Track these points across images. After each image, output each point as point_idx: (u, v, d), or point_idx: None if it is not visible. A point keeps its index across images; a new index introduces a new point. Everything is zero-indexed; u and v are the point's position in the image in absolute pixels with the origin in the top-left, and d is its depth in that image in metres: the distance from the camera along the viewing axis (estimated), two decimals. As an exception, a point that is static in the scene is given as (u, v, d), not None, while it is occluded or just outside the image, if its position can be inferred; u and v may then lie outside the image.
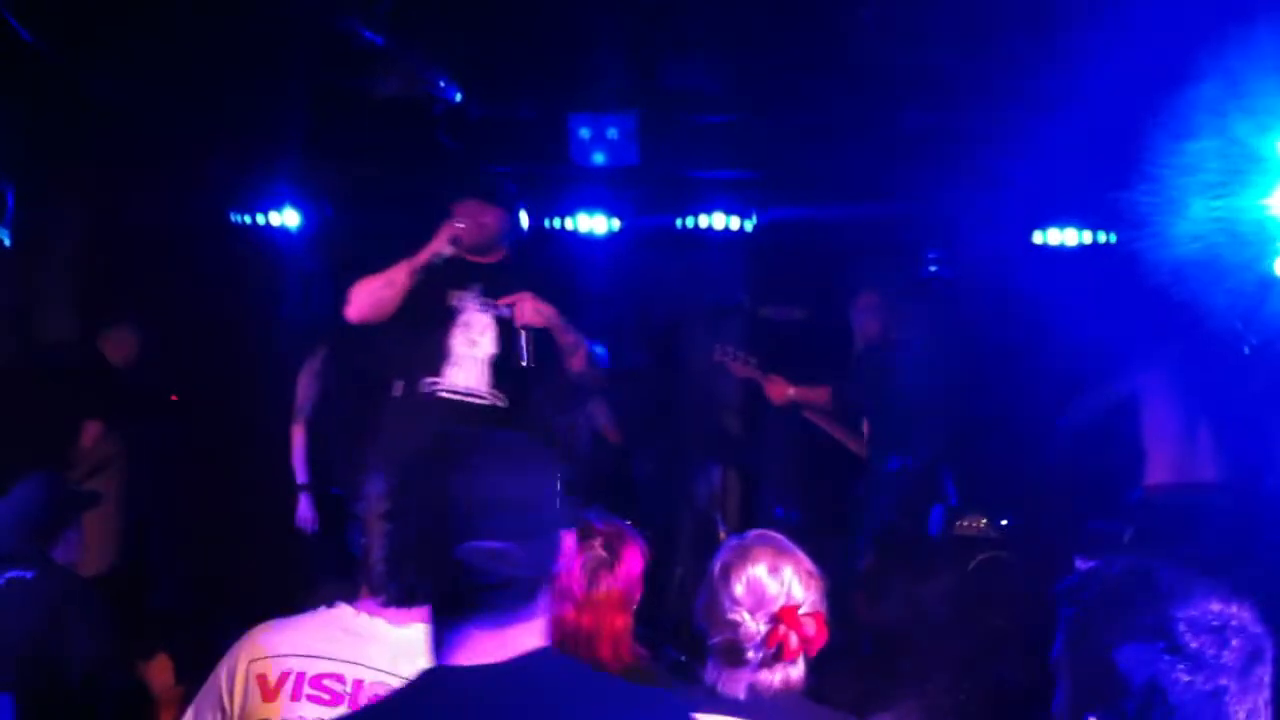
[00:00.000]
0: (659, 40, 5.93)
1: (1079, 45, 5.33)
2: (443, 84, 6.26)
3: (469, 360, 4.65)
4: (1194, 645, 1.85)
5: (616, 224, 7.18)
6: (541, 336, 4.62)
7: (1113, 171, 5.45)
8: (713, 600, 2.69)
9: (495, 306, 4.69)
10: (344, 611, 2.81)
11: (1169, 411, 5.40)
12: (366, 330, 4.79)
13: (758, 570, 2.65)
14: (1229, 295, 5.03)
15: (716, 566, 2.73)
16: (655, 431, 7.13)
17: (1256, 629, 1.88)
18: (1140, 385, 5.59)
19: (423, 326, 4.65)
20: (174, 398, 7.30)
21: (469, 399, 4.62)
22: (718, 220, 7.09)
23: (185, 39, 5.74)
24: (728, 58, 6.05)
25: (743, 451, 7.18)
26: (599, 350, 4.74)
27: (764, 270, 7.33)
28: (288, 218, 7.40)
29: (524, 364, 4.58)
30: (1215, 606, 1.87)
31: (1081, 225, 6.76)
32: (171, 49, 5.81)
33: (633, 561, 3.31)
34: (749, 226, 7.07)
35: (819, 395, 6.18)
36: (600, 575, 3.23)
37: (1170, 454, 5.34)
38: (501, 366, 4.63)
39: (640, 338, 7.00)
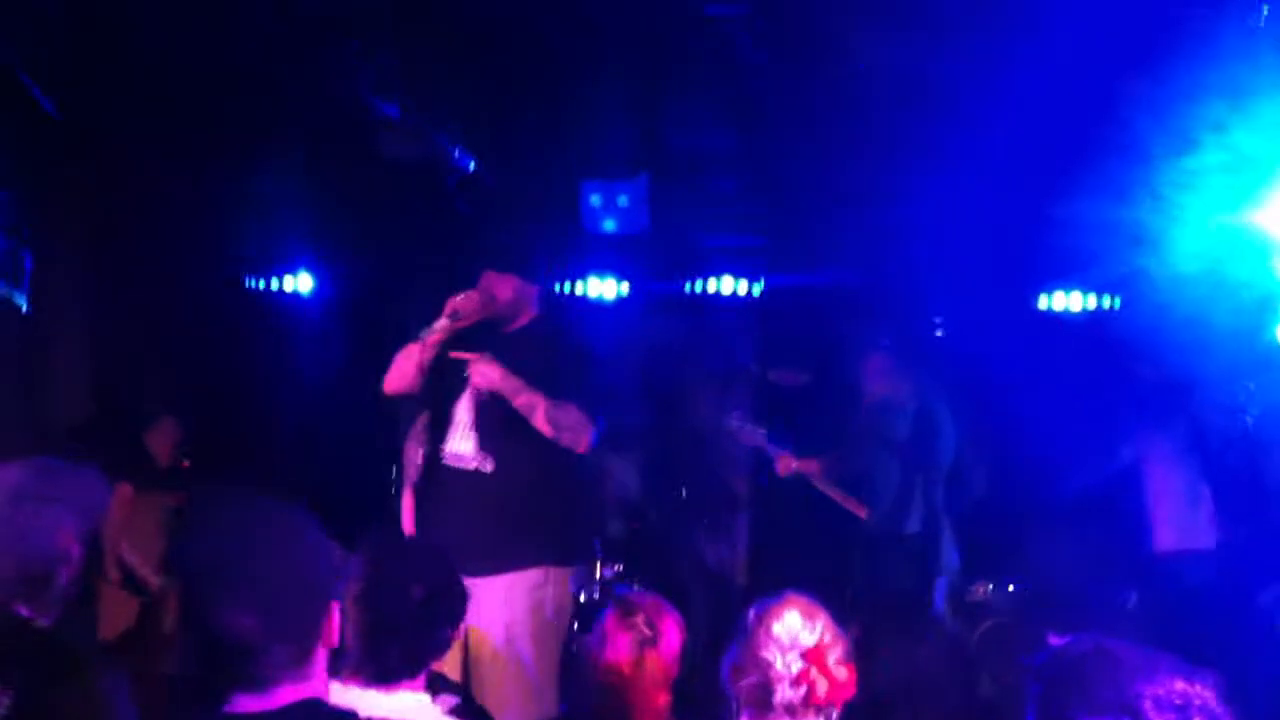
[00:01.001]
0: (670, 109, 6.01)
1: (1086, 114, 5.41)
2: (457, 152, 6.35)
3: (463, 425, 4.65)
4: None
5: (625, 288, 7.25)
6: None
7: (1116, 235, 5.51)
8: (745, 644, 2.72)
9: None
10: (332, 687, 2.84)
11: (1172, 478, 5.41)
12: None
13: (793, 615, 2.71)
14: (1230, 314, 5.07)
15: (751, 614, 2.78)
16: (664, 496, 7.15)
17: (1219, 709, 1.92)
18: (1144, 451, 5.60)
19: (440, 394, 4.68)
20: (185, 464, 7.32)
21: (458, 465, 4.62)
22: (725, 284, 7.17)
23: (203, 106, 5.85)
24: (737, 128, 6.13)
25: (751, 514, 7.19)
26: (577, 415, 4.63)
27: (771, 334, 7.38)
28: (301, 282, 7.49)
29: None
30: (1179, 685, 1.92)
31: (1085, 290, 6.79)
32: (189, 116, 5.92)
33: (672, 637, 3.31)
34: (756, 291, 7.14)
35: (818, 466, 6.20)
36: (646, 653, 3.25)
37: (1174, 520, 5.34)
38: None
39: (648, 401, 7.03)
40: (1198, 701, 1.91)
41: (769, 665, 2.65)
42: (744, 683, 2.68)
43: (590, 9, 5.17)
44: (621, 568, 6.54)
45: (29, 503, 2.95)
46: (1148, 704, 1.90)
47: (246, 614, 1.94)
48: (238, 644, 1.94)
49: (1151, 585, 5.27)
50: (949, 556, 6.07)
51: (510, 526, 4.48)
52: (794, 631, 2.68)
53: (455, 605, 2.89)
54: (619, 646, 3.27)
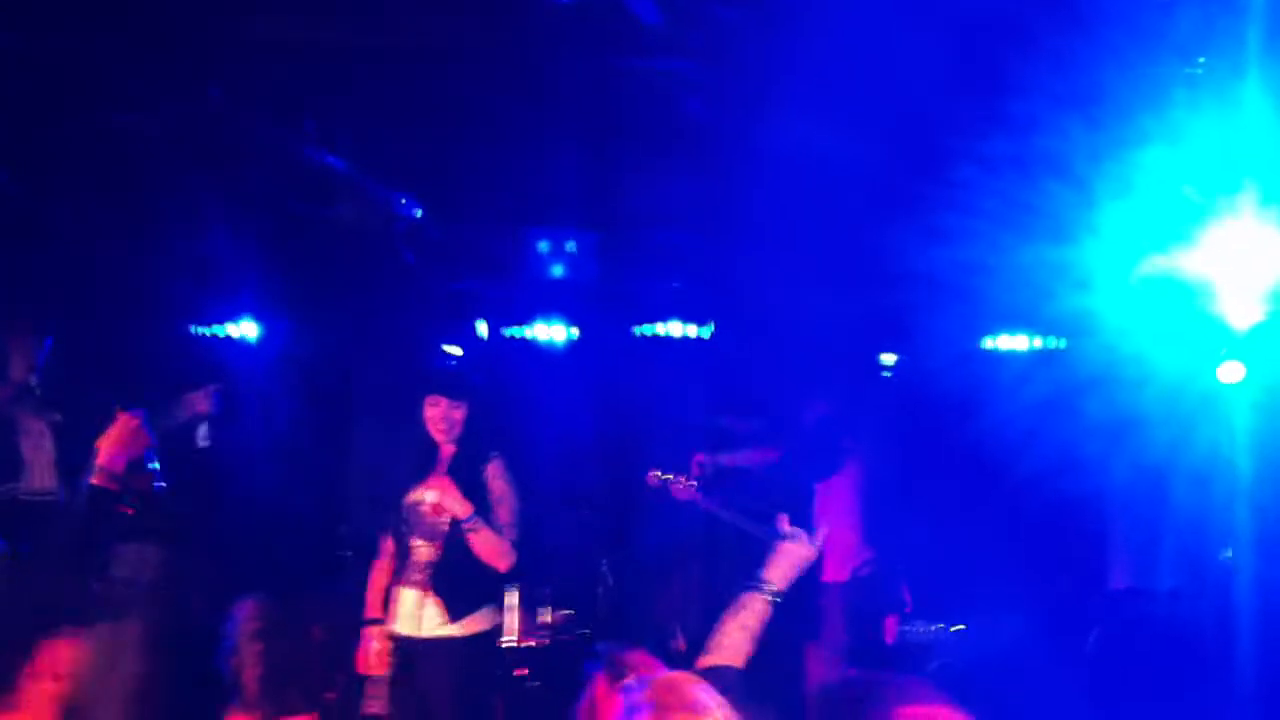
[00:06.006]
0: (617, 160, 6.03)
1: (1022, 157, 5.49)
2: (403, 200, 6.32)
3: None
4: None
5: (575, 332, 7.25)
6: None
7: (1060, 278, 5.59)
8: None
9: None
10: None
11: (1124, 517, 5.47)
12: None
13: None
14: (1173, 354, 5.17)
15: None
16: (615, 548, 7.11)
17: None
18: (1102, 490, 5.64)
19: None
20: (129, 511, 7.18)
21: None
22: (674, 328, 7.18)
23: (145, 156, 5.80)
24: (684, 174, 6.16)
25: (702, 565, 7.16)
26: None
27: (721, 379, 7.39)
28: (245, 329, 7.40)
29: None
30: (929, 706, 2.11)
31: (1031, 331, 6.87)
32: (132, 166, 5.86)
33: None
34: (705, 334, 7.16)
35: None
36: None
37: (1131, 560, 5.39)
38: None
39: (596, 450, 7.03)
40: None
41: None
42: None
43: (535, 60, 5.19)
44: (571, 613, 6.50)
45: None
46: None
47: None
48: None
49: (1110, 624, 5.30)
50: (900, 598, 6.09)
51: None
52: None
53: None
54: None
